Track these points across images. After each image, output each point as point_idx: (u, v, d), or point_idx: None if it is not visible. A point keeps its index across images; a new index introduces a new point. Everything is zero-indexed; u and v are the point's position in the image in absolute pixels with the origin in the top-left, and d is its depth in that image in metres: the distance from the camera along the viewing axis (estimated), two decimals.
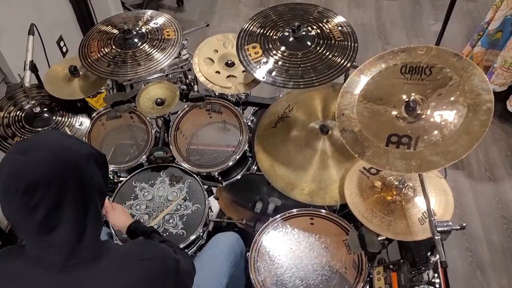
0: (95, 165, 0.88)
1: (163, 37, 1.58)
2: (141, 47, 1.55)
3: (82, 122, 1.66)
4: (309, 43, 1.41)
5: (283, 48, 1.42)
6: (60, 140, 0.86)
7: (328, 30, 1.44)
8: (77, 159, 0.84)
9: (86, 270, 0.84)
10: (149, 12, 1.69)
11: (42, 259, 0.84)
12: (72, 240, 0.83)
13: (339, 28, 1.45)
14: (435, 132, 1.10)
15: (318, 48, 1.39)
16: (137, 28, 1.61)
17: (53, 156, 0.81)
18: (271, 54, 1.41)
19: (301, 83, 1.34)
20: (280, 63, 1.38)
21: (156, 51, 1.54)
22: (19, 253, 0.87)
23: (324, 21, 1.47)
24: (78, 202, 0.83)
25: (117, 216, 1.34)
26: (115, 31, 1.62)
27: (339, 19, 1.48)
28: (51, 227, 0.81)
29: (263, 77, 1.37)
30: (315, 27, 1.46)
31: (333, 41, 1.41)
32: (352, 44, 1.40)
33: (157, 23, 1.63)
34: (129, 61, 1.52)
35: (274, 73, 1.36)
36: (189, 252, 1.47)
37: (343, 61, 1.36)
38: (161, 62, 1.51)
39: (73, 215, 0.82)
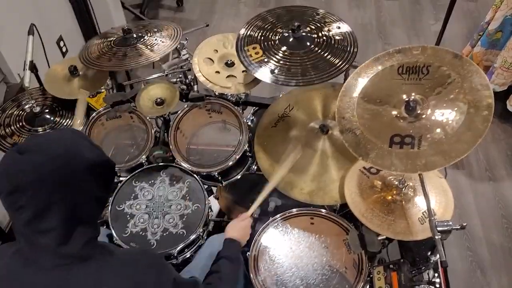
0: (97, 174, 0.86)
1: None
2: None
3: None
4: (308, 43, 1.41)
5: (284, 48, 1.42)
6: (67, 144, 0.84)
7: (327, 32, 1.45)
8: (77, 168, 0.82)
9: (75, 270, 0.84)
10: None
11: (31, 256, 0.84)
12: (58, 242, 0.82)
13: (338, 29, 1.45)
14: (438, 130, 1.10)
15: (317, 49, 1.40)
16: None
17: (50, 162, 0.79)
18: (272, 53, 1.41)
19: (302, 81, 1.34)
20: (281, 62, 1.39)
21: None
22: (14, 250, 0.87)
23: (324, 23, 1.48)
24: (68, 209, 0.81)
25: (236, 227, 1.37)
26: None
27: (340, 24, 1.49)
28: (38, 228, 0.81)
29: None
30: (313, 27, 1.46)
31: (332, 42, 1.41)
32: (352, 49, 1.40)
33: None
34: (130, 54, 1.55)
35: (276, 72, 1.36)
36: (188, 252, 1.47)
37: (341, 62, 1.37)
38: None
39: (60, 220, 0.81)
